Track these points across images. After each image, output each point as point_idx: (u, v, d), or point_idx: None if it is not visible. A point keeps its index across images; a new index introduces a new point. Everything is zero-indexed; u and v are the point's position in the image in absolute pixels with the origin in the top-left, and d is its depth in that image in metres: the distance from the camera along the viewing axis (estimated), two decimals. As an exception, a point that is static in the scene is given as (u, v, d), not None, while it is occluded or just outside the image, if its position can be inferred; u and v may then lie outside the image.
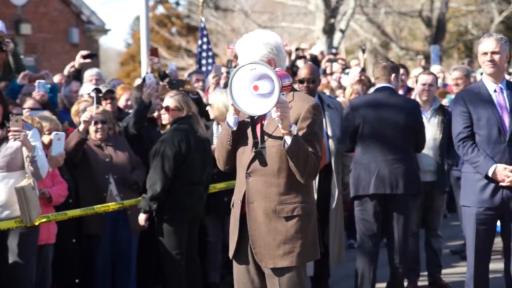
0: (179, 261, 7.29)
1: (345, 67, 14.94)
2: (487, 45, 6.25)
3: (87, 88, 8.56)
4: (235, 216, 4.79)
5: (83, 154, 7.33)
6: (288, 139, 4.49)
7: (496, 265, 7.44)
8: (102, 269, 7.37)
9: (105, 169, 7.40)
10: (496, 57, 6.23)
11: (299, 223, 4.71)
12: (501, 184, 6.15)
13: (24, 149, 6.11)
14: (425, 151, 7.94)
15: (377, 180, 7.28)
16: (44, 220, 6.43)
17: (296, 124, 4.58)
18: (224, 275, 8.36)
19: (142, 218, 7.31)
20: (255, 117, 4.60)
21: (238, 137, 4.71)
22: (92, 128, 7.40)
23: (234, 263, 4.86)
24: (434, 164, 8.16)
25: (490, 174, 6.15)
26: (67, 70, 9.65)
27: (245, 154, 4.71)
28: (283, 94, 4.45)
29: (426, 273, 8.44)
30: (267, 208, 4.67)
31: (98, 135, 7.46)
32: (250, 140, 4.68)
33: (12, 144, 6.13)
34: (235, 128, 4.68)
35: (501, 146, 6.18)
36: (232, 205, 4.86)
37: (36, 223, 6.24)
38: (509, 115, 6.19)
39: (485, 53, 6.24)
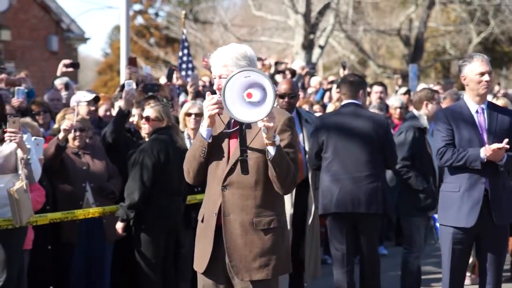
0: (155, 271, 7.27)
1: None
2: (484, 65, 6.26)
3: (81, 96, 8.52)
4: (209, 229, 4.75)
5: (60, 162, 7.31)
6: (272, 149, 4.51)
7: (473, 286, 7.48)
8: (76, 277, 7.36)
9: (82, 177, 7.38)
10: (491, 77, 6.27)
11: (275, 236, 4.70)
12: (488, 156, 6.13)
13: (19, 151, 6.11)
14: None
15: (339, 198, 7.22)
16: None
17: None
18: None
19: (119, 226, 7.30)
20: (244, 126, 4.59)
21: (210, 150, 4.71)
22: (70, 136, 7.37)
23: (202, 277, 4.83)
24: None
25: (482, 155, 6.12)
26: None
27: (219, 167, 4.70)
28: None
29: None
30: (244, 221, 4.66)
31: (76, 143, 7.44)
32: (225, 153, 4.69)
33: (6, 147, 6.14)
34: (210, 140, 4.69)
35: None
36: (202, 220, 4.82)
37: (17, 225, 6.21)
38: (488, 135, 6.23)
39: (483, 73, 6.24)
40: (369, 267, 7.37)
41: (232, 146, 4.69)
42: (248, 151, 4.62)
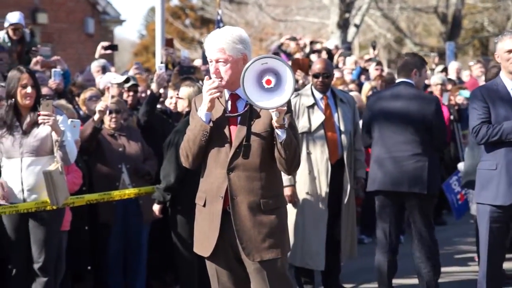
0: (191, 252, 7.28)
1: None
2: None
3: (111, 78, 8.56)
4: (216, 212, 4.75)
5: (97, 143, 7.36)
6: (282, 132, 4.57)
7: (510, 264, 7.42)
8: (113, 257, 7.43)
9: (118, 158, 7.43)
10: None
11: (280, 216, 4.78)
12: None
13: (53, 133, 6.17)
14: None
15: (381, 177, 7.19)
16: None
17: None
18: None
19: (156, 208, 7.34)
20: (252, 112, 4.61)
21: (210, 134, 4.71)
22: (106, 117, 7.42)
23: (211, 263, 4.86)
24: None
25: None
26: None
27: (222, 150, 4.72)
28: None
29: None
30: (251, 203, 4.70)
31: (112, 124, 7.48)
32: (227, 137, 4.70)
33: (42, 130, 6.20)
34: (211, 124, 4.69)
35: None
36: (204, 204, 4.81)
37: (54, 207, 6.27)
38: (525, 113, 6.16)
39: (510, 51, 6.19)
40: (422, 248, 7.23)
41: (233, 130, 4.72)
42: (252, 135, 4.66)
